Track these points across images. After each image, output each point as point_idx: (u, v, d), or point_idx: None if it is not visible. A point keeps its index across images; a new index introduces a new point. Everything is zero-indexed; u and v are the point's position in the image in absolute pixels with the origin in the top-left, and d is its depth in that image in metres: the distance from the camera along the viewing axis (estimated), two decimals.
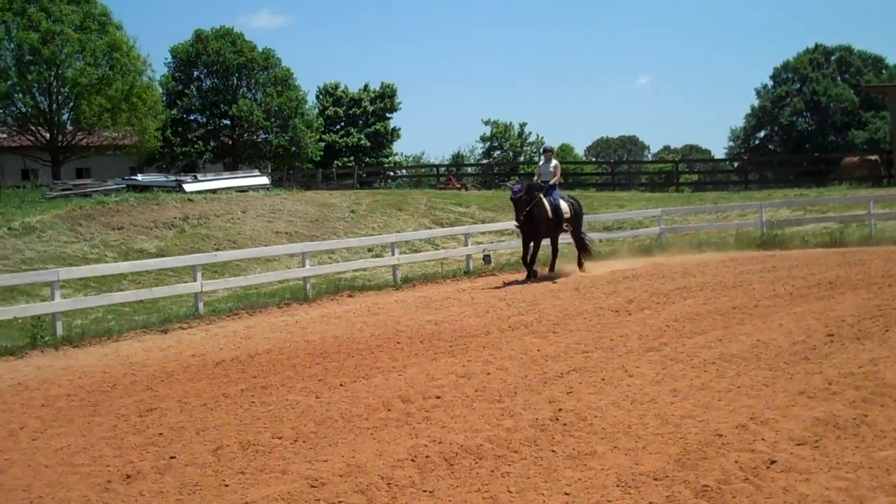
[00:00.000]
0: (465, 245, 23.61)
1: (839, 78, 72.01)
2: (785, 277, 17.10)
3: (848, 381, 8.98)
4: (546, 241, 21.04)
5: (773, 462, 6.82)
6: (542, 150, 22.65)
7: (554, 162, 21.24)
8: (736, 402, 8.57)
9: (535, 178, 21.52)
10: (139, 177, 41.56)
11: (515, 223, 20.75)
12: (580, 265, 21.22)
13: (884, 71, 73.80)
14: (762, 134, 75.84)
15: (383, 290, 20.26)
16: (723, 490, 6.37)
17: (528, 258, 20.32)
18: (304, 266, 20.08)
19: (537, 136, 76.01)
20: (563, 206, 20.79)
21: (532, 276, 20.03)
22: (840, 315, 12.65)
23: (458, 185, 48.87)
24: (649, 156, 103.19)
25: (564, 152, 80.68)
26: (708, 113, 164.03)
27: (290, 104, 57.82)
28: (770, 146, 73.91)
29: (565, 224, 20.77)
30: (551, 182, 20.75)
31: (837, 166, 44.31)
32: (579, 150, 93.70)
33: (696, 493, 6.36)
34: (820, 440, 7.27)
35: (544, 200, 20.38)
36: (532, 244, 20.52)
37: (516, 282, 19.98)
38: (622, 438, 7.72)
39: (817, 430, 7.51)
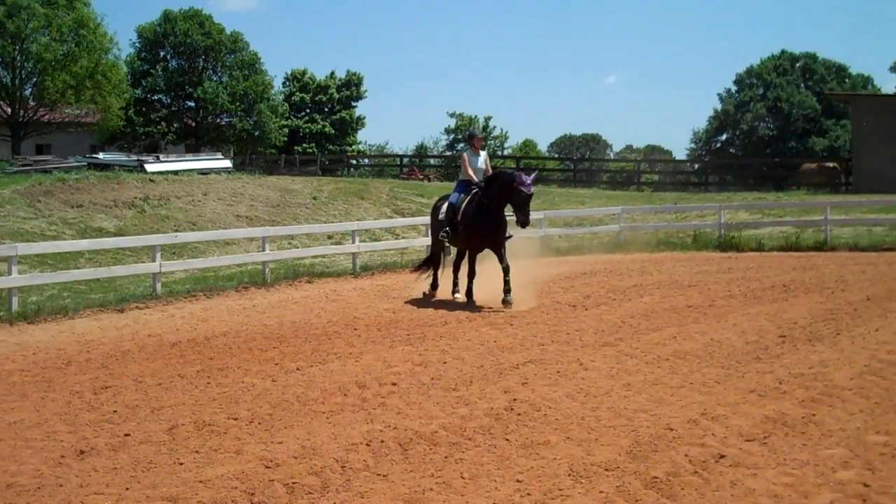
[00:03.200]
0: (426, 235, 23.56)
1: (802, 85, 72.69)
2: (740, 279, 17.32)
3: (798, 381, 9.16)
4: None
5: (722, 457, 6.94)
6: (468, 136, 16.75)
7: (483, 153, 16.27)
8: (688, 398, 8.70)
9: (461, 173, 16.48)
10: (100, 155, 41.29)
11: (446, 232, 15.87)
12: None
13: (847, 80, 74.63)
14: (724, 137, 76.46)
15: (342, 277, 20.24)
16: (672, 482, 6.47)
17: (470, 275, 15.67)
18: (263, 250, 20.02)
19: (502, 130, 76.57)
20: None
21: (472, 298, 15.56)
22: (793, 317, 12.87)
23: (421, 176, 48.97)
24: (611, 154, 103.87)
25: (528, 147, 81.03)
26: (671, 114, 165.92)
27: (256, 88, 57.70)
28: (731, 150, 74.52)
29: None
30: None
31: (796, 172, 44.94)
32: (542, 146, 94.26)
33: (645, 485, 6.46)
34: (768, 437, 7.40)
35: None
36: (474, 256, 15.84)
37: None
38: (575, 429, 7.81)
39: (766, 427, 7.65)
